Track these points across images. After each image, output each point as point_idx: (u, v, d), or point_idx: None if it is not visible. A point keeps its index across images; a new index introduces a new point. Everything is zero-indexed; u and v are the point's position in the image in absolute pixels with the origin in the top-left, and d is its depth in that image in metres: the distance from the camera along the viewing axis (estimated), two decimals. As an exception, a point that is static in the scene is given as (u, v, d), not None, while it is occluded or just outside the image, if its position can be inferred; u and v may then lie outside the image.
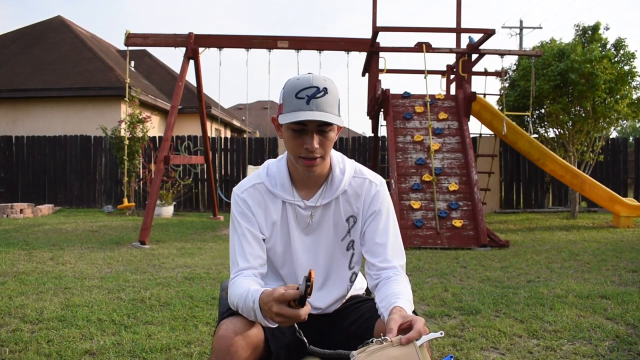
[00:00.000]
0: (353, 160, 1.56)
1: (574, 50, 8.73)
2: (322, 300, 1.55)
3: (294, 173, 1.50)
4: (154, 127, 13.40)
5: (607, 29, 9.36)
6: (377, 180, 1.53)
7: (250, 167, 9.54)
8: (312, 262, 1.51)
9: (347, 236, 1.52)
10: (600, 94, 8.74)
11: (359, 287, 1.68)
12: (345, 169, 1.51)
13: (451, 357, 1.19)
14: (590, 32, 9.38)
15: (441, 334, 1.20)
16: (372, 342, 1.15)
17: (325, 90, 1.33)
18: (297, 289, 1.17)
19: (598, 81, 8.51)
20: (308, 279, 1.13)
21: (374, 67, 8.28)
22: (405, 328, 1.18)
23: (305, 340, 1.31)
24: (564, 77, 8.73)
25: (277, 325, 1.26)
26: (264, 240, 1.49)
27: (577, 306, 3.36)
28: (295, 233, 1.50)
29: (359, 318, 1.48)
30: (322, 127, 1.35)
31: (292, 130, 1.36)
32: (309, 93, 1.32)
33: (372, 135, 10.09)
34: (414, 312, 1.32)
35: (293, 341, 1.41)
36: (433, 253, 5.80)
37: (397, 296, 1.33)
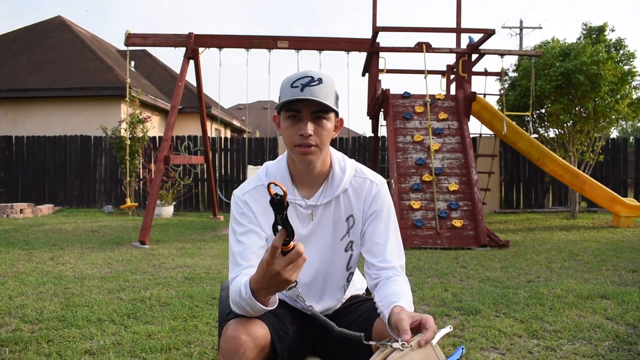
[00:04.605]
0: (354, 160, 1.57)
1: (583, 51, 8.71)
2: (320, 300, 1.55)
3: (294, 171, 1.50)
4: (154, 127, 13.40)
5: (613, 30, 9.40)
6: (378, 180, 1.53)
7: (250, 167, 9.52)
8: (311, 261, 1.51)
9: (346, 236, 1.51)
10: (603, 94, 8.75)
11: (359, 287, 1.68)
12: (346, 167, 1.52)
13: (462, 348, 1.22)
14: (596, 33, 9.39)
15: (450, 328, 1.24)
16: (389, 342, 1.17)
17: (320, 80, 1.36)
18: (275, 232, 1.14)
19: (602, 82, 8.52)
20: (277, 196, 1.10)
21: (374, 67, 8.28)
22: (415, 327, 1.20)
23: (311, 308, 1.31)
24: (567, 77, 8.72)
25: (274, 306, 1.27)
26: (266, 239, 1.48)
27: (577, 306, 3.35)
28: (296, 232, 1.49)
29: (358, 317, 1.48)
30: (317, 114, 1.37)
31: (288, 119, 1.39)
32: (304, 82, 1.35)
33: (372, 135, 10.09)
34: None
35: (295, 342, 1.43)
36: (433, 253, 5.80)
37: (398, 296, 1.33)
